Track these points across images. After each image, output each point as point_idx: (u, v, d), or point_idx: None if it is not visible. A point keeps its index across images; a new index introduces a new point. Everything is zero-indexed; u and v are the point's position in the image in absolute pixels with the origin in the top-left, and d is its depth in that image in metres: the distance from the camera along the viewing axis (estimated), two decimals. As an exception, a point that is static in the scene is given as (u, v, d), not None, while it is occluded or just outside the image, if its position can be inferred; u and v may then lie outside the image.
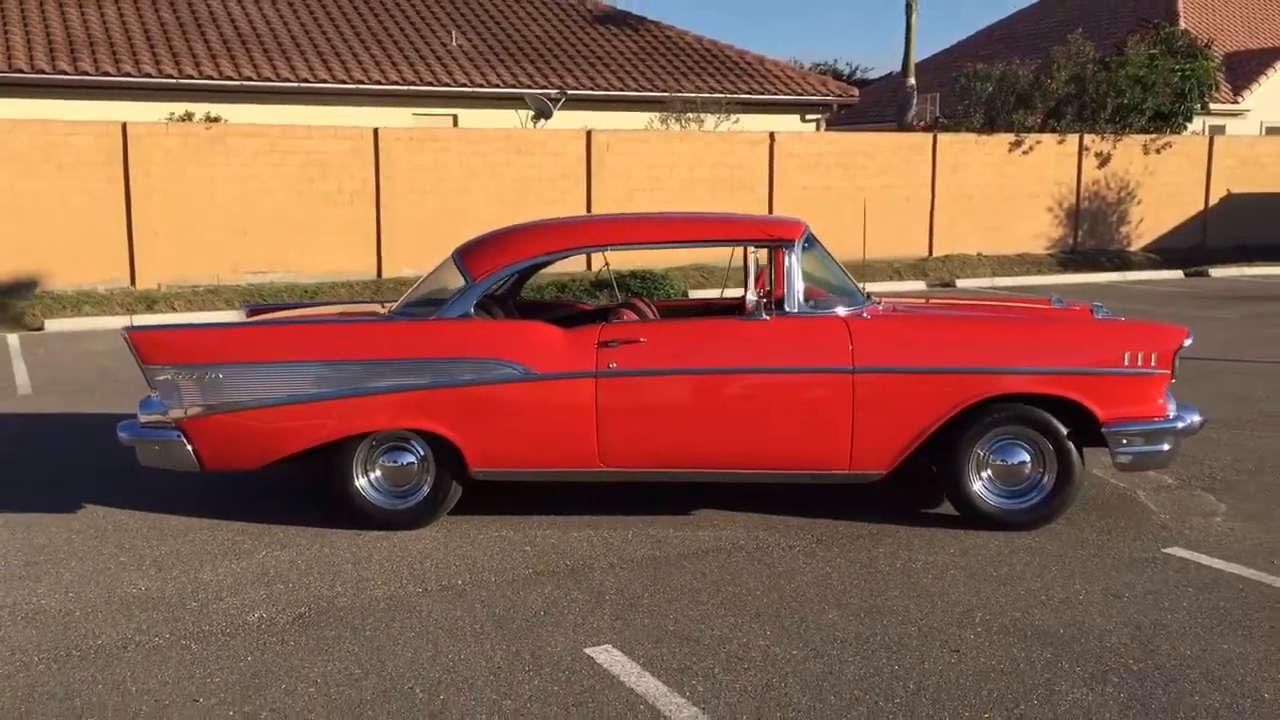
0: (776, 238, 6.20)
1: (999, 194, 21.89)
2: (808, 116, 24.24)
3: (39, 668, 4.51)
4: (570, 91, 21.15)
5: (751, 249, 6.56)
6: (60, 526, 6.28)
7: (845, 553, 5.78)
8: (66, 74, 19.16)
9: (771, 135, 20.17)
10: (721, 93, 22.66)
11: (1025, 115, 23.02)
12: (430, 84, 21.31)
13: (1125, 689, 4.27)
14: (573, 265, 17.23)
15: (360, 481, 6.17)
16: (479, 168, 18.34)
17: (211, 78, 20.07)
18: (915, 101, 25.28)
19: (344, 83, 20.79)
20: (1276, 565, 5.55)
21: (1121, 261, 22.14)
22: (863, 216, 20.85)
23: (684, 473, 6.14)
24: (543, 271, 16.96)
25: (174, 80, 19.78)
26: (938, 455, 6.12)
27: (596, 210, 18.92)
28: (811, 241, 6.47)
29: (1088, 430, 6.00)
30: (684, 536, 6.04)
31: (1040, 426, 5.99)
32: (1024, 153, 22.04)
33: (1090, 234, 22.66)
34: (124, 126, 16.51)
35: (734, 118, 21.34)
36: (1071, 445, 5.97)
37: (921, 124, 25.58)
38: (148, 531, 6.19)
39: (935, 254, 21.36)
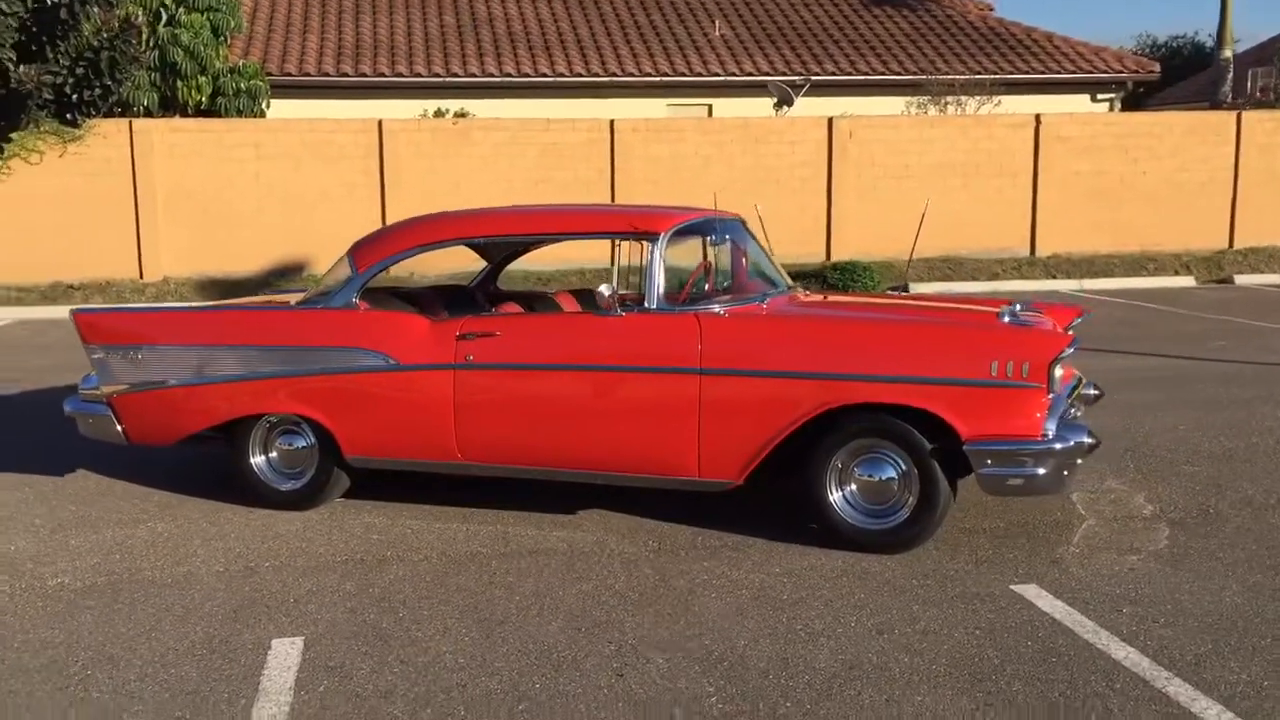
0: (640, 230, 5.92)
1: (1324, 179, 19.34)
2: (1099, 96, 22.38)
3: None
4: (815, 77, 20.67)
5: (638, 242, 6.21)
6: (32, 486, 6.96)
7: (669, 564, 5.43)
8: (348, 75, 20.91)
9: (1037, 117, 18.82)
10: (997, 73, 21.36)
11: (1364, 89, 20.18)
12: (683, 74, 21.49)
13: (735, 737, 3.81)
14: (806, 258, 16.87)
15: (256, 460, 6.46)
16: (715, 157, 18.34)
17: (475, 75, 21.23)
18: (1231, 77, 22.66)
19: (598, 75, 21.37)
20: (1120, 615, 4.71)
21: None
22: (1146, 203, 19.11)
23: (538, 470, 5.99)
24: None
25: (441, 78, 21.12)
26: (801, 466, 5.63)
27: (836, 199, 18.46)
28: (715, 230, 6.19)
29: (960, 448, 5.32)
30: (535, 536, 5.89)
31: (900, 440, 5.37)
32: (1358, 132, 19.34)
33: None
34: (380, 123, 17.89)
35: (996, 99, 20.05)
36: (935, 463, 5.32)
37: (1253, 98, 22.95)
38: (90, 496, 6.75)
39: (1236, 245, 19.23)
